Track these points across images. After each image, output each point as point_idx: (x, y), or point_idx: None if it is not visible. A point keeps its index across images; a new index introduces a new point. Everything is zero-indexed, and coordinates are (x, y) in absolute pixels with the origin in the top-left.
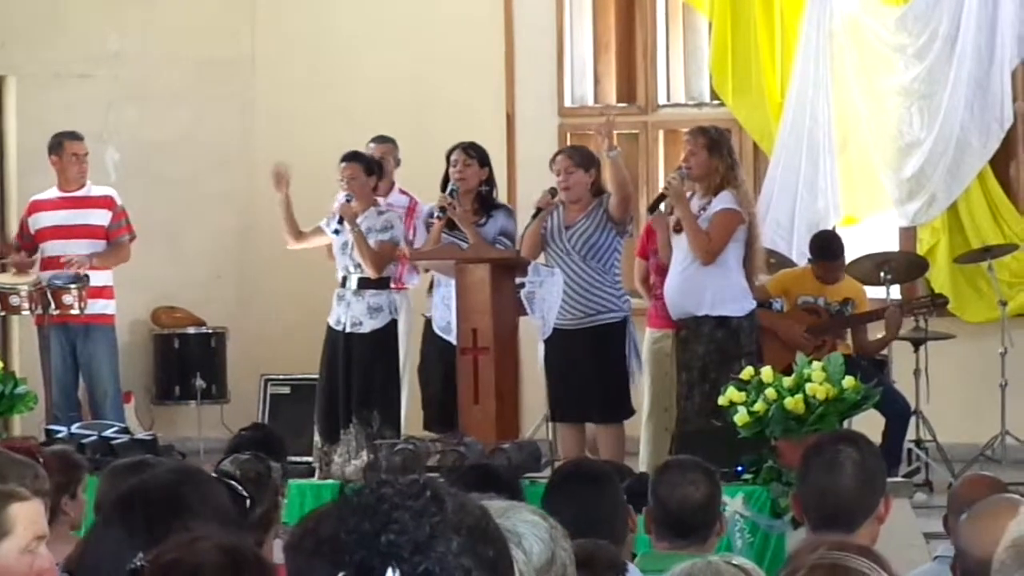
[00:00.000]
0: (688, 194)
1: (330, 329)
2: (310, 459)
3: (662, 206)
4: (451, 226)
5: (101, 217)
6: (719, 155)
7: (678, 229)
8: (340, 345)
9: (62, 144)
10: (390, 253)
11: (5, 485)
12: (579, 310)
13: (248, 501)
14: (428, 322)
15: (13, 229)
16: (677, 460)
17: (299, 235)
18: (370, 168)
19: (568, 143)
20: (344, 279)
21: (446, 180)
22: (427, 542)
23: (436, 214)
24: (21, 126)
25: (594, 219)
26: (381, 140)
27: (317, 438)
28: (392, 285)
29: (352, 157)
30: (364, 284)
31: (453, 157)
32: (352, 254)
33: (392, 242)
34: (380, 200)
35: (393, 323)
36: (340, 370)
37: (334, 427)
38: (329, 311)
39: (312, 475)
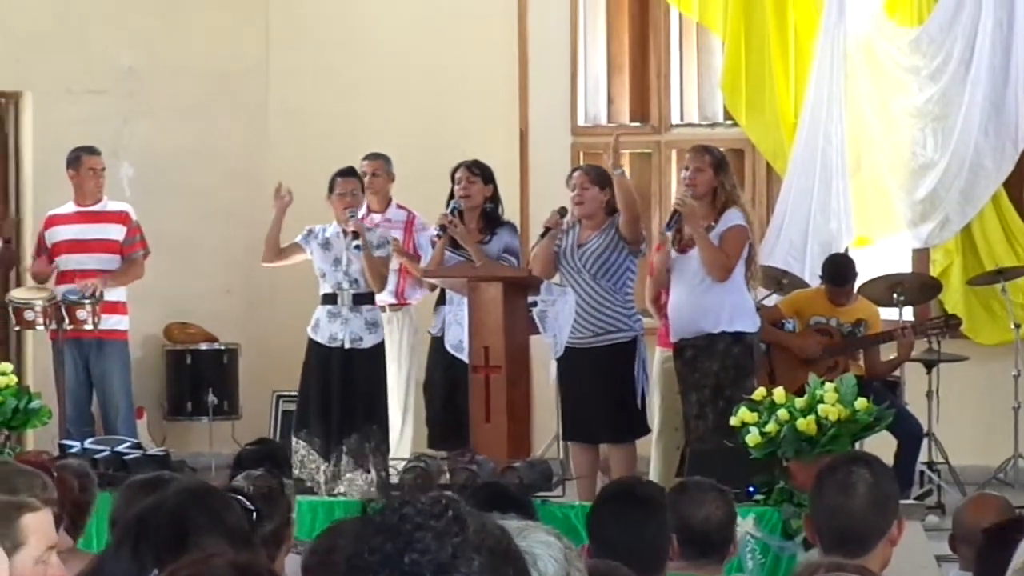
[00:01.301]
0: None
1: (319, 346)
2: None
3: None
4: (454, 244)
5: (117, 232)
6: (725, 173)
7: (682, 248)
8: (336, 362)
9: (80, 159)
10: (388, 267)
11: (16, 496)
12: (589, 328)
13: (255, 515)
14: (433, 339)
15: (28, 243)
16: (694, 481)
17: (279, 253)
18: (362, 183)
19: (581, 162)
20: (335, 295)
21: (451, 198)
22: (449, 562)
23: (437, 232)
24: (37, 141)
25: (606, 238)
26: (373, 157)
27: (303, 453)
28: (396, 300)
29: (349, 172)
30: (360, 300)
31: (457, 175)
32: (348, 270)
33: (388, 256)
34: (376, 217)
35: (383, 339)
36: (336, 387)
37: (329, 445)
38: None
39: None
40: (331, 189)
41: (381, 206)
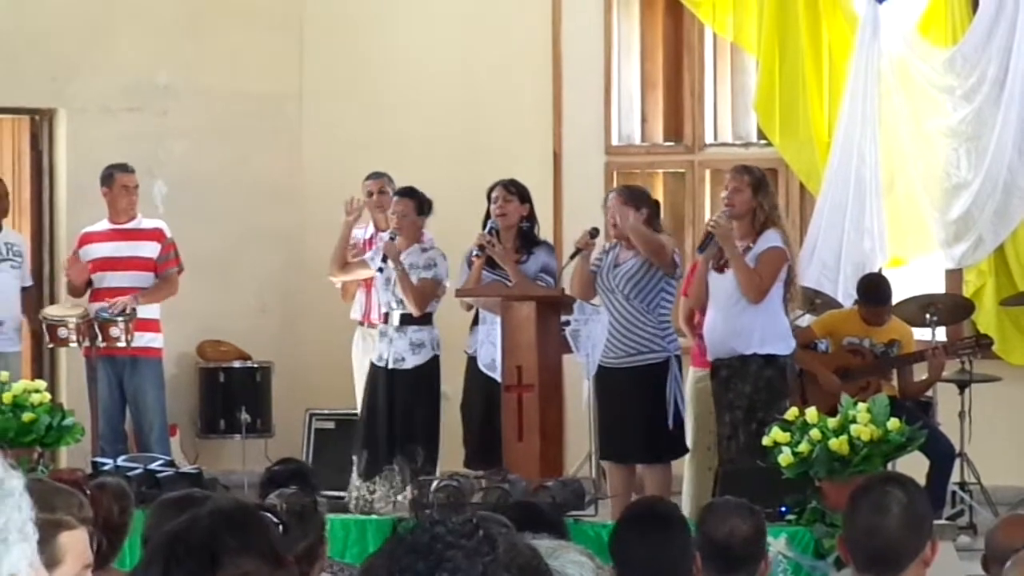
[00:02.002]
0: None
1: (372, 366)
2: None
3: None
4: (492, 263)
5: (151, 249)
6: (764, 194)
7: (719, 268)
8: (381, 381)
9: (113, 176)
10: (433, 290)
11: (54, 514)
12: (622, 348)
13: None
14: (470, 359)
15: (62, 261)
16: (722, 499)
17: (344, 266)
18: (422, 207)
19: (615, 182)
20: (386, 315)
21: (487, 218)
22: None
23: (475, 252)
24: (71, 159)
25: (641, 259)
26: (376, 176)
27: (354, 475)
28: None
29: (407, 193)
30: (406, 320)
31: (494, 194)
32: (395, 290)
33: (435, 279)
34: (384, 235)
35: (435, 359)
36: (382, 406)
37: (374, 464)
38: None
39: (344, 510)
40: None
41: (385, 224)
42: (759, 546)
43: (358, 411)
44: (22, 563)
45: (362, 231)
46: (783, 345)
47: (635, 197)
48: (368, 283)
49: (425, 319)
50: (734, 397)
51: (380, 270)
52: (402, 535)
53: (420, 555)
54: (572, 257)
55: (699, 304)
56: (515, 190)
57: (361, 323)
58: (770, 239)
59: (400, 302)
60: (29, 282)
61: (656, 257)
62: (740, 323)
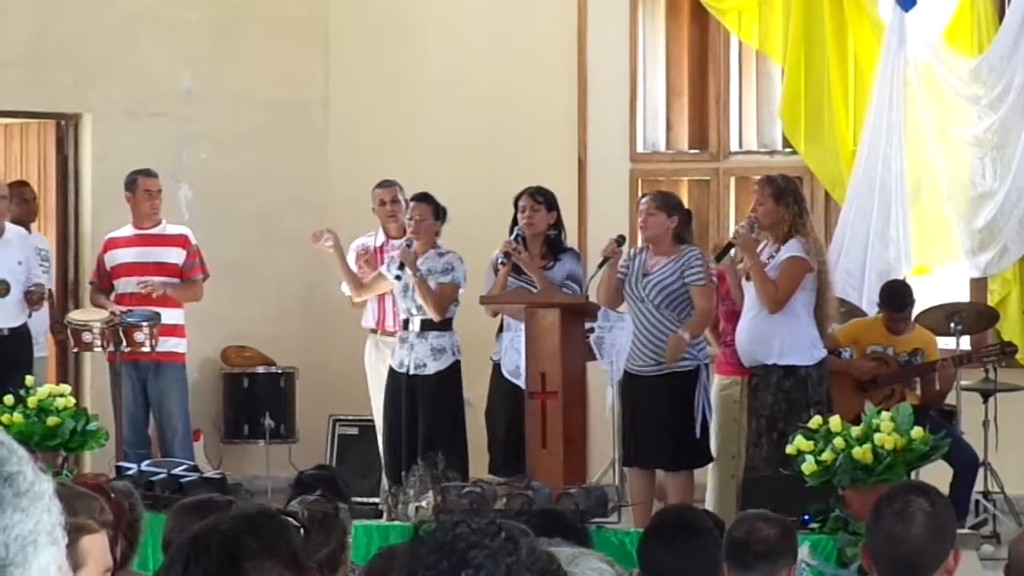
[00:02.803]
0: (762, 244)
1: (393, 372)
2: (377, 500)
3: (732, 252)
4: (517, 270)
5: (176, 255)
6: (786, 204)
7: (748, 277)
8: (403, 387)
9: (136, 181)
10: (452, 295)
11: (75, 518)
12: (651, 357)
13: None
14: (496, 366)
15: (87, 266)
16: (754, 512)
17: (360, 287)
18: (437, 212)
19: (640, 189)
20: (406, 322)
21: (514, 224)
22: None
23: (500, 259)
24: (96, 164)
25: (673, 269)
26: (388, 184)
27: (385, 480)
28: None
29: (423, 198)
30: (427, 326)
31: (521, 203)
32: (414, 296)
33: (454, 283)
34: (395, 243)
35: (456, 364)
36: (403, 412)
37: (398, 469)
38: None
39: (379, 516)
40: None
41: (398, 232)
42: (783, 547)
43: (375, 418)
44: (51, 567)
45: (371, 239)
46: (806, 356)
47: (668, 204)
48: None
49: (445, 324)
50: (759, 406)
51: (398, 278)
52: (424, 536)
53: (443, 554)
54: (600, 266)
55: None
56: (542, 198)
57: (374, 331)
58: (791, 248)
59: (420, 308)
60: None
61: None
62: (760, 332)
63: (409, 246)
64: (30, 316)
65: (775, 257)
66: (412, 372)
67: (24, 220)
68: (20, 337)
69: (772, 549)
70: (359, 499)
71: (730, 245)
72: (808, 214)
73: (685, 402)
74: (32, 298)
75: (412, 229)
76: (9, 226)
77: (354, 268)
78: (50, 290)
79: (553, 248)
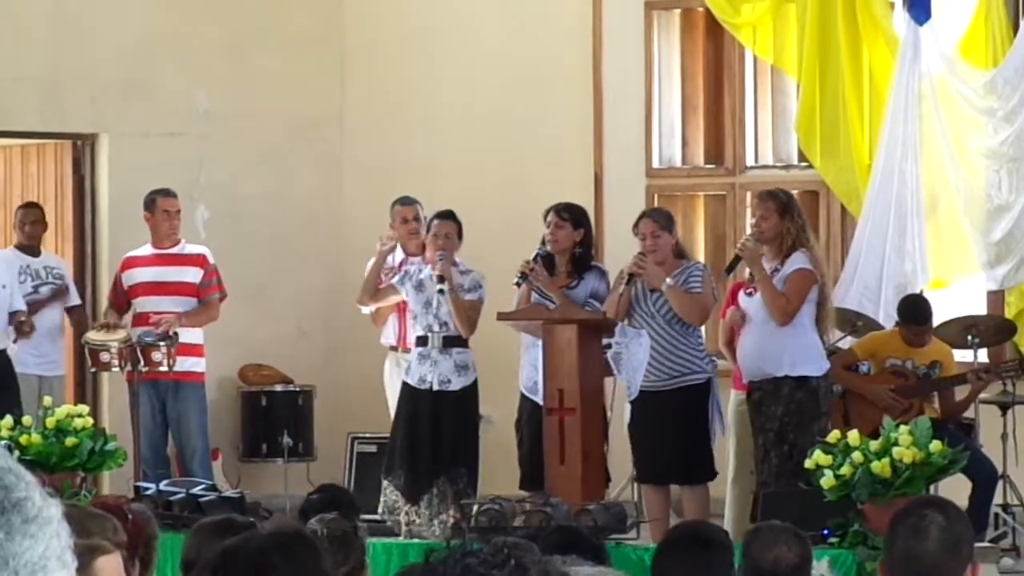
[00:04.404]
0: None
1: (410, 388)
2: (378, 516)
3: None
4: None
5: (193, 275)
6: (791, 218)
7: (750, 292)
8: (425, 404)
9: (155, 201)
10: (479, 311)
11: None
12: (664, 372)
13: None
14: None
15: (104, 285)
16: (768, 524)
17: (374, 295)
18: (461, 229)
19: (656, 204)
20: (426, 338)
21: (543, 242)
22: None
23: (517, 279)
24: (113, 184)
25: (677, 283)
26: (409, 202)
27: (392, 496)
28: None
29: (449, 215)
30: (450, 342)
31: (548, 218)
32: (438, 312)
33: (480, 301)
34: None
35: (476, 381)
36: (426, 429)
37: (417, 487)
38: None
39: (386, 534)
40: (428, 229)
41: (418, 249)
42: (804, 573)
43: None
44: None
45: (391, 257)
46: (815, 367)
47: (668, 221)
48: (401, 307)
49: (465, 341)
50: (766, 420)
51: (440, 291)
52: (433, 565)
53: None
54: (627, 283)
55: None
56: (568, 216)
57: (394, 348)
58: (797, 261)
59: (443, 324)
60: (76, 301)
61: (687, 316)
62: (770, 345)
63: (442, 259)
64: (15, 342)
65: (780, 271)
66: (436, 388)
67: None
68: (2, 361)
69: (798, 573)
70: (374, 517)
71: (737, 258)
72: (809, 227)
73: (698, 415)
74: (22, 328)
75: (441, 244)
76: None
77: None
78: (78, 306)
79: (579, 266)
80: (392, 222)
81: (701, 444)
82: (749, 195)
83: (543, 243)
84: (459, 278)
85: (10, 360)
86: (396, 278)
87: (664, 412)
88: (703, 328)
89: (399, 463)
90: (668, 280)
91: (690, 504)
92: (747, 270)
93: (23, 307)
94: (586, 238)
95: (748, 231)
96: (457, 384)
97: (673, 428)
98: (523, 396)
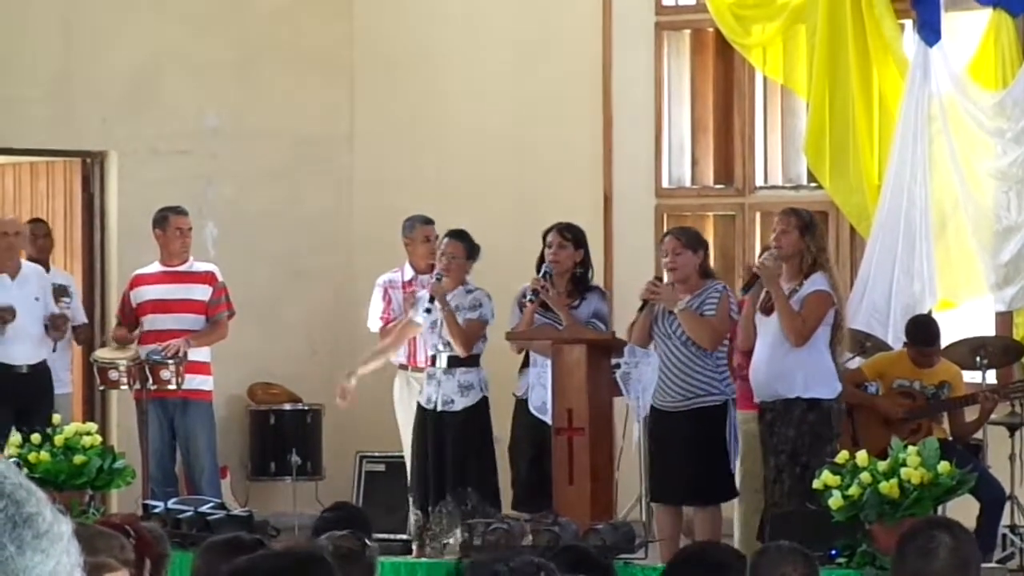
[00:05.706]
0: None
1: (421, 409)
2: (405, 536)
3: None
4: (544, 307)
5: (202, 293)
6: (812, 236)
7: (765, 311)
8: (430, 424)
9: (167, 219)
10: (479, 331)
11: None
12: (679, 392)
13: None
14: (519, 401)
15: (113, 303)
16: (776, 544)
17: (393, 341)
18: (471, 251)
19: (665, 224)
20: (434, 358)
21: (541, 260)
22: None
23: (528, 296)
24: (122, 201)
25: (696, 308)
26: (430, 221)
27: (413, 515)
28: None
29: (458, 235)
30: (454, 363)
31: (549, 238)
32: (442, 332)
33: (481, 320)
34: (468, 279)
35: (484, 400)
36: (430, 449)
37: (427, 505)
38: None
39: (409, 552)
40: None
41: (428, 267)
42: None
43: (404, 456)
44: None
45: (397, 275)
46: (827, 389)
47: (693, 240)
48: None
49: (473, 360)
50: (778, 441)
51: (428, 311)
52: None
53: None
54: (641, 310)
55: (746, 345)
56: (570, 235)
57: (404, 366)
58: (816, 283)
59: (447, 344)
60: (82, 319)
61: (699, 340)
62: (784, 366)
63: (439, 280)
64: (55, 350)
65: (798, 291)
66: (440, 408)
67: (41, 258)
68: (40, 374)
69: None
70: (383, 535)
71: (755, 277)
72: (828, 250)
73: (713, 437)
74: (56, 323)
75: (443, 265)
76: (26, 263)
77: (399, 308)
78: (84, 324)
79: (579, 286)
80: (406, 239)
81: (715, 465)
82: (759, 215)
83: (540, 261)
84: (461, 298)
85: (49, 370)
86: (411, 311)
87: (678, 433)
88: (725, 350)
89: (415, 483)
90: (680, 303)
91: (702, 525)
92: (764, 290)
93: (57, 311)
94: (585, 259)
95: (758, 249)
96: (460, 404)
97: (687, 449)
98: (518, 418)
